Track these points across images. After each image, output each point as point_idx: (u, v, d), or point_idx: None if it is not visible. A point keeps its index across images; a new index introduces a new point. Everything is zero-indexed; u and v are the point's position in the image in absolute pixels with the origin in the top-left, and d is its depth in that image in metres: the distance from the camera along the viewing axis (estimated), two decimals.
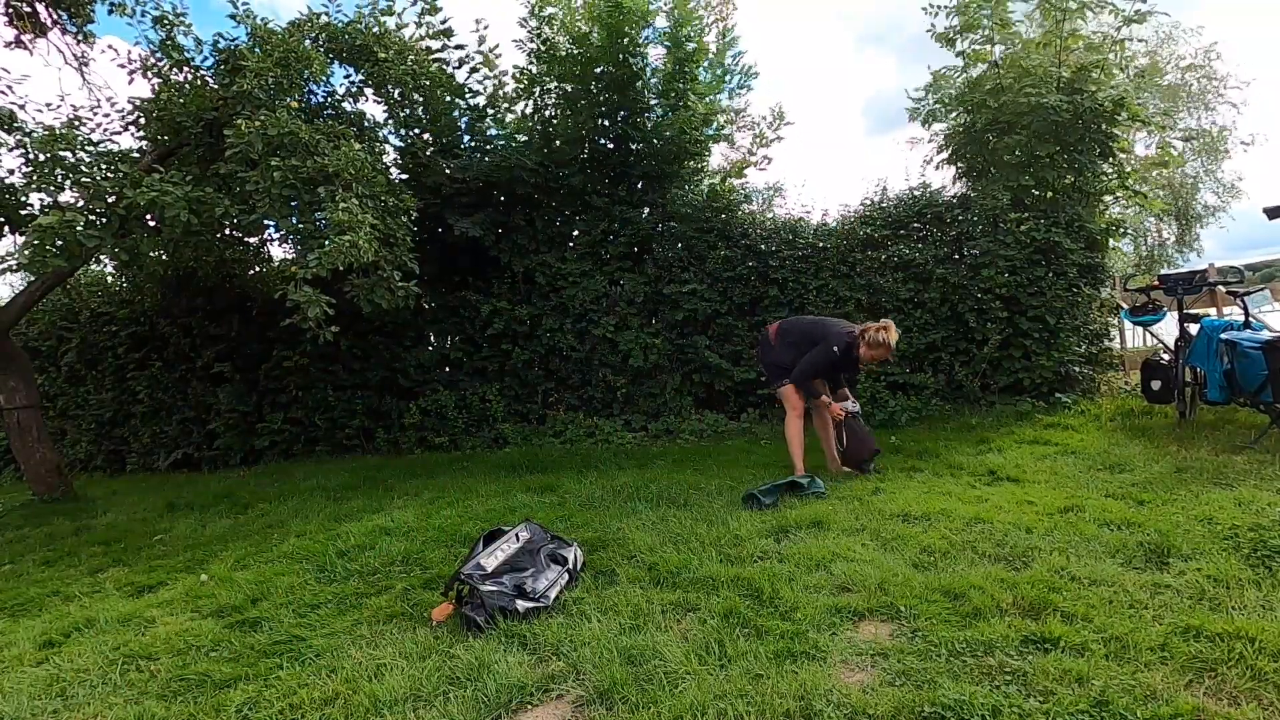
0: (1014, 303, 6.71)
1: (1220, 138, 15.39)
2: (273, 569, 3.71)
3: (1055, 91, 6.59)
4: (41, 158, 5.17)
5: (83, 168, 5.21)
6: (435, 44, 7.10)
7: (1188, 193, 16.67)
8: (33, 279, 6.20)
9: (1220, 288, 5.61)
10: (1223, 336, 4.67)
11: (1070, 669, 2.01)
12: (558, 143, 7.53)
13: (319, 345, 5.94)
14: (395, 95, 6.90)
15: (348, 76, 6.82)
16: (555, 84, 7.46)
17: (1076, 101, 6.52)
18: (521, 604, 2.73)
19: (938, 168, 8.12)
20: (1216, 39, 20.28)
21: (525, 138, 7.78)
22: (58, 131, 5.32)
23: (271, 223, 5.97)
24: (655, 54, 7.44)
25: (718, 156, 8.97)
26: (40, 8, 6.55)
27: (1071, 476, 4.18)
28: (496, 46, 7.39)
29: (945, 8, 7.55)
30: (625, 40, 6.81)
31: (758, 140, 8.62)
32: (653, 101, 7.43)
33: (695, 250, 7.55)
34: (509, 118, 7.91)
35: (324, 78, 6.40)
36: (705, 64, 7.71)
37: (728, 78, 8.23)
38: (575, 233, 7.88)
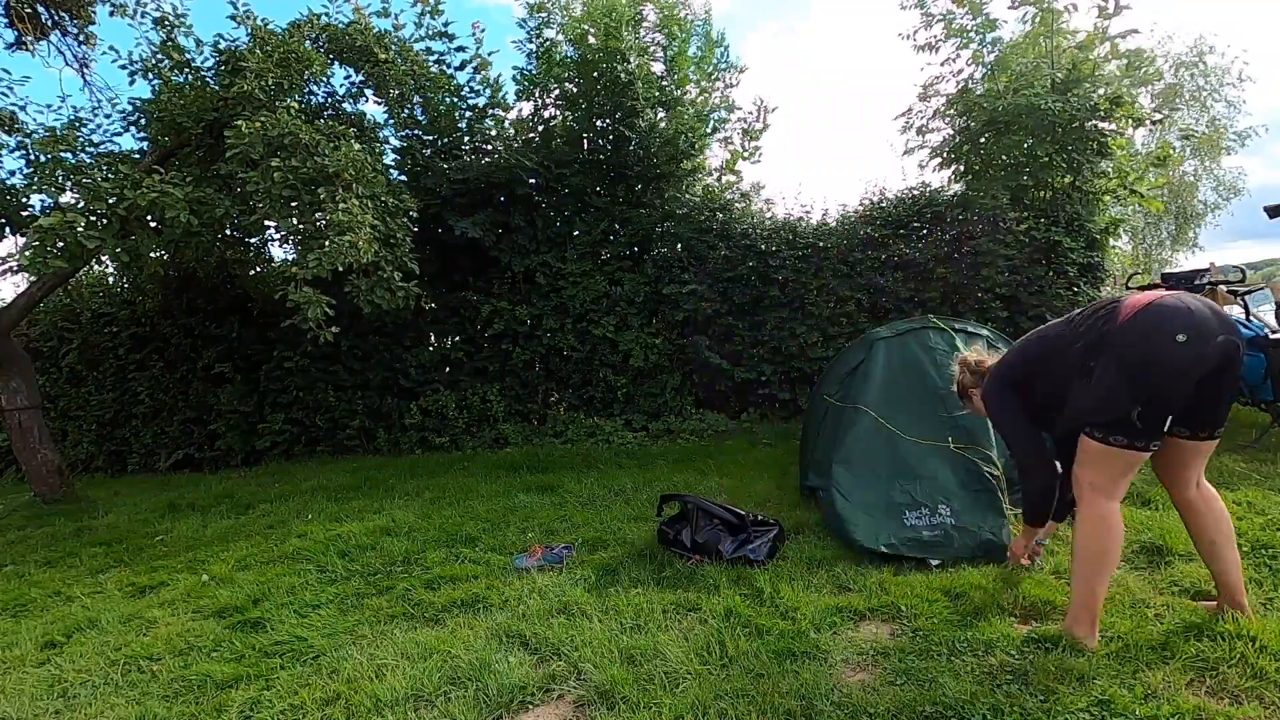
0: (1014, 302, 6.71)
1: (1217, 133, 15.30)
2: (274, 569, 3.72)
3: (1049, 92, 6.58)
4: (42, 159, 5.18)
5: (84, 169, 5.22)
6: (437, 45, 7.12)
7: (1186, 191, 16.62)
8: (34, 280, 6.20)
9: (1221, 287, 5.60)
10: None
11: (1071, 668, 2.01)
12: (557, 143, 7.52)
13: (320, 346, 5.95)
14: (395, 96, 6.90)
15: (348, 77, 6.83)
16: (555, 85, 7.46)
17: (1070, 102, 6.51)
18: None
19: (935, 170, 8.12)
20: (1212, 31, 20.24)
21: (525, 138, 7.78)
22: (59, 133, 5.32)
23: (272, 223, 5.96)
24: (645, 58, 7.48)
25: (713, 158, 9.01)
26: (41, 9, 6.56)
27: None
28: (494, 52, 7.45)
29: (926, 16, 7.60)
30: (615, 45, 6.82)
31: (746, 135, 8.65)
32: (647, 102, 7.44)
33: (695, 250, 7.54)
34: (508, 118, 7.91)
35: (324, 78, 6.41)
36: (691, 68, 7.74)
37: (713, 74, 8.27)
38: (575, 233, 7.87)
